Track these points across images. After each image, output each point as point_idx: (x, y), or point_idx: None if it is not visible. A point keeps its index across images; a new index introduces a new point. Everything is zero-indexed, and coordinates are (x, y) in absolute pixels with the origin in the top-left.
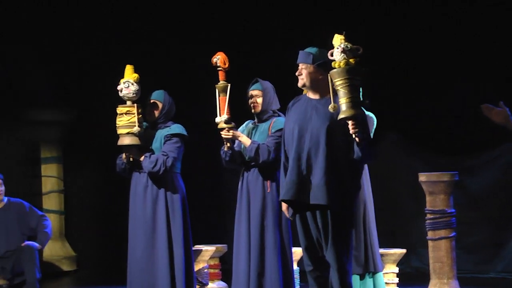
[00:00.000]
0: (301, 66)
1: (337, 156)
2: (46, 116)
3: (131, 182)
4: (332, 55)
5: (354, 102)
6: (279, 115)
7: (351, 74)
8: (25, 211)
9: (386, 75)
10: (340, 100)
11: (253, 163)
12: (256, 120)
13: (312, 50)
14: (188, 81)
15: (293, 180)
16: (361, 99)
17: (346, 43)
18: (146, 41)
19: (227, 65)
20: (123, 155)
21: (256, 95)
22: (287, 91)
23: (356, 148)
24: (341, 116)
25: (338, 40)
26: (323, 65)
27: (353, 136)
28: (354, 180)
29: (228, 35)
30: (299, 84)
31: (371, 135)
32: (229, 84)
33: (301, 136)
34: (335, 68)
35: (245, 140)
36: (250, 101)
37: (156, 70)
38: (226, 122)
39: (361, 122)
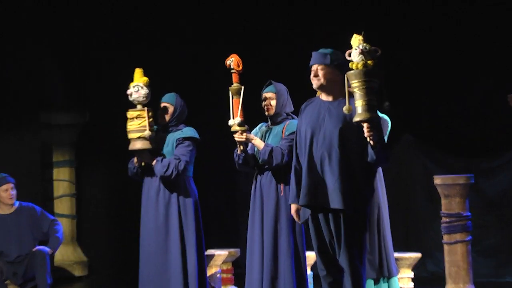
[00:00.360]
0: (316, 67)
1: (351, 159)
2: (58, 119)
3: (143, 187)
4: (349, 55)
5: (370, 105)
6: (292, 118)
7: (369, 77)
8: (36, 215)
9: (401, 75)
10: (356, 102)
11: (266, 166)
12: (269, 123)
13: (327, 51)
14: (201, 83)
15: (308, 184)
16: (379, 101)
17: (364, 44)
18: (160, 43)
19: (240, 67)
20: (135, 159)
21: (270, 97)
22: (301, 94)
23: (370, 151)
24: (356, 118)
25: (356, 41)
26: (339, 66)
27: (368, 139)
28: (368, 183)
29: (242, 37)
30: (315, 86)
31: (386, 138)
32: (242, 87)
33: (314, 139)
34: (352, 69)
35: (259, 143)
36: (263, 103)
37: (169, 73)
38: (239, 124)
39: (376, 125)
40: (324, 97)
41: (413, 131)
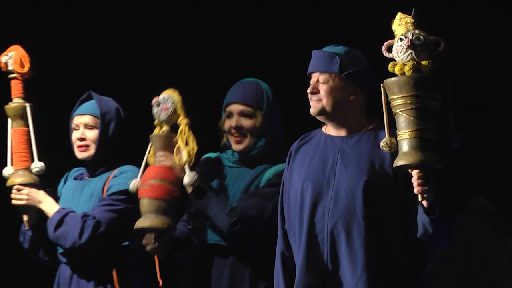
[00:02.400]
0: (317, 77)
1: (386, 237)
2: None
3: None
4: (389, 50)
5: (424, 139)
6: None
7: (424, 89)
8: None
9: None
10: (399, 133)
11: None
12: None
13: (337, 49)
14: None
15: (307, 283)
16: (442, 133)
17: (417, 31)
18: None
19: (26, 69)
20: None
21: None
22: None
23: (421, 219)
24: (399, 162)
25: (401, 25)
26: (355, 77)
27: (419, 198)
28: (415, 277)
29: None
30: (314, 111)
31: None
32: (28, 105)
33: (318, 204)
34: (393, 75)
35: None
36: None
37: None
38: (20, 176)
39: (433, 175)
40: (331, 130)
41: (488, 191)
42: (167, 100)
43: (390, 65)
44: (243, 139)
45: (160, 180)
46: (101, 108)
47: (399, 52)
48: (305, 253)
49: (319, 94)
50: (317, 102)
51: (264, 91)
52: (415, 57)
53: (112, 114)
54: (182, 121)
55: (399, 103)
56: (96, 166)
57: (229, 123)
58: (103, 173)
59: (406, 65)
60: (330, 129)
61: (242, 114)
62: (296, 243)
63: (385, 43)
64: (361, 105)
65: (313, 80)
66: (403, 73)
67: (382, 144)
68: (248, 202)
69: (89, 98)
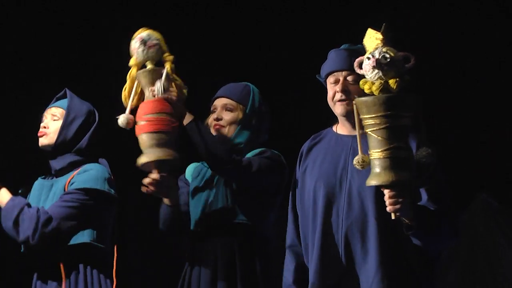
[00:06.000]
0: (345, 75)
1: (398, 234)
2: None
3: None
4: (360, 67)
5: (395, 158)
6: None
7: (392, 108)
8: None
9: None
10: (370, 152)
11: None
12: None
13: (358, 48)
14: None
15: (323, 282)
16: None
17: (384, 48)
18: None
19: None
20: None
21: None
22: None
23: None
24: (371, 181)
25: (372, 41)
26: None
27: (392, 216)
28: (428, 273)
29: None
30: (342, 111)
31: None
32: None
33: (332, 204)
34: (364, 93)
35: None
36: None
37: None
38: None
39: (407, 192)
40: (343, 129)
41: (493, 188)
42: (151, 37)
43: (361, 82)
44: (222, 128)
45: (158, 113)
46: (70, 102)
47: (367, 70)
48: (320, 253)
49: (348, 91)
50: (348, 103)
51: (252, 91)
52: (383, 76)
53: (80, 112)
54: (168, 57)
55: (369, 123)
56: (56, 159)
57: (212, 117)
58: (69, 172)
59: (374, 84)
60: (341, 128)
61: (225, 107)
62: (308, 242)
63: (356, 60)
64: None
65: (338, 79)
66: (371, 92)
67: (354, 162)
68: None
69: (65, 96)
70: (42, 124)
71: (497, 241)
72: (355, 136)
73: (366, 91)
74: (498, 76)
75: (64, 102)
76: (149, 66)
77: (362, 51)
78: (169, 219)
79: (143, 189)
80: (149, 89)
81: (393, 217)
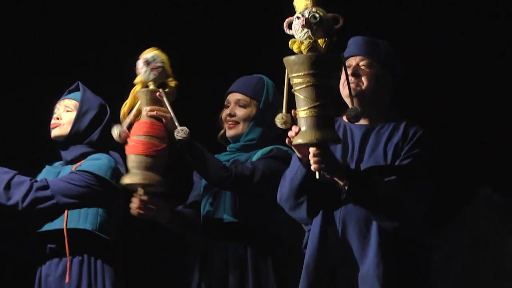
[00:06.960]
0: (359, 60)
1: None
2: None
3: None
4: (289, 27)
5: (319, 117)
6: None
7: (319, 68)
8: None
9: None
10: (297, 111)
11: None
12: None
13: (377, 39)
14: None
15: (321, 272)
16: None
17: (314, 8)
18: None
19: None
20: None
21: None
22: None
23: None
24: (298, 140)
25: (302, 1)
26: (393, 69)
27: (316, 175)
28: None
29: None
30: (353, 93)
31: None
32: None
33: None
34: (291, 52)
35: None
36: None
37: None
38: None
39: (329, 153)
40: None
41: (497, 182)
42: (155, 59)
43: (290, 42)
44: (236, 125)
45: (145, 136)
46: (83, 95)
47: (297, 30)
48: (319, 238)
49: (360, 77)
50: (359, 86)
51: (266, 85)
52: (312, 36)
53: (93, 104)
54: (171, 82)
55: (296, 81)
56: (68, 149)
57: (225, 112)
58: (77, 162)
59: (303, 43)
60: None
61: (238, 103)
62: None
63: (286, 20)
64: (389, 97)
65: (352, 63)
66: (300, 51)
67: (276, 120)
68: (241, 165)
69: (77, 89)
70: (54, 116)
71: (500, 235)
72: (364, 126)
73: (295, 50)
74: (498, 76)
75: (77, 94)
76: (151, 86)
77: (380, 43)
78: (175, 230)
79: (132, 211)
80: (144, 109)
81: (317, 176)
